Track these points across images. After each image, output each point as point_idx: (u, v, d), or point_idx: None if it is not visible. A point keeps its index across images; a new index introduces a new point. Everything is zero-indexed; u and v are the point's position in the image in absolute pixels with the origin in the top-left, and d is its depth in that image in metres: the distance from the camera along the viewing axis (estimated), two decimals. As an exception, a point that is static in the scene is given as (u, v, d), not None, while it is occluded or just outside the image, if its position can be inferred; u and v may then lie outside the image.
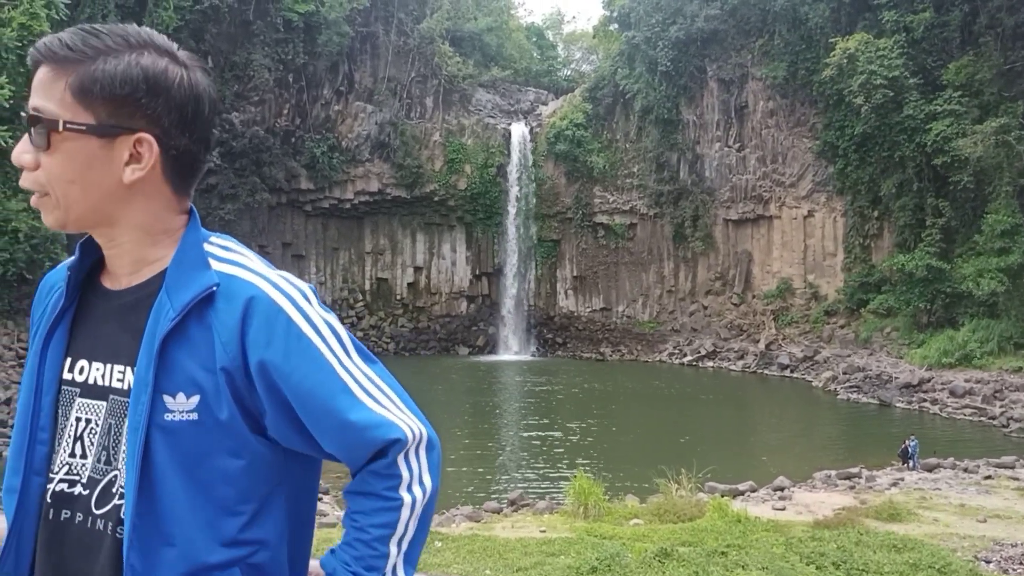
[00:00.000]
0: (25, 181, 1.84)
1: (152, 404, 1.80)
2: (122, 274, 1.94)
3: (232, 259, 1.91)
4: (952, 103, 37.27)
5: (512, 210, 50.06)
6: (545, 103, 53.69)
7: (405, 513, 1.89)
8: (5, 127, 30.07)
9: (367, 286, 50.64)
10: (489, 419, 31.21)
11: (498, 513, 17.03)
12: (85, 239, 1.98)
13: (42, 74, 1.81)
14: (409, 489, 1.89)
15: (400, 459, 1.88)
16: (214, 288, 1.84)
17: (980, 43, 37.92)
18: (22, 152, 1.82)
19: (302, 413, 1.85)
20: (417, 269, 51.12)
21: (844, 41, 39.04)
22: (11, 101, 29.82)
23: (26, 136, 1.83)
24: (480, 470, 22.64)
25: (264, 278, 1.87)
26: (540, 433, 27.87)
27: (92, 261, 1.99)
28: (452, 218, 50.72)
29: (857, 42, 38.41)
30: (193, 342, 1.82)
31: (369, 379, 1.91)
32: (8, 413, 23.53)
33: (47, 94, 1.80)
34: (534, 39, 62.22)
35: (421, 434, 1.93)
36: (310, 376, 1.83)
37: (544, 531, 13.89)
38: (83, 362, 1.93)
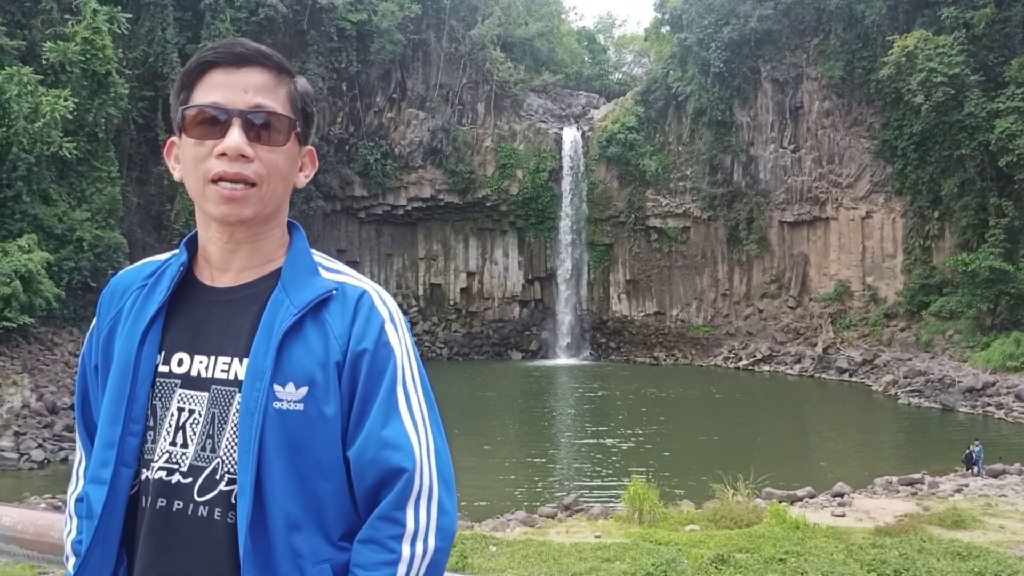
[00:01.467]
0: (246, 170, 1.93)
1: (267, 392, 1.89)
2: (231, 270, 2.05)
3: (338, 269, 2.10)
4: (1016, 100, 36.33)
5: (564, 214, 49.99)
6: (597, 107, 53.56)
7: (403, 569, 1.88)
8: (69, 139, 30.90)
9: (420, 292, 50.98)
10: (543, 424, 31.18)
11: (552, 518, 16.99)
12: (189, 237, 2.10)
13: (263, 76, 1.99)
14: (412, 543, 1.89)
15: (409, 507, 1.91)
16: (333, 292, 2.00)
17: (1044, 38, 36.98)
18: (245, 144, 1.93)
19: (355, 411, 1.95)
20: (470, 274, 51.32)
21: (902, 39, 38.30)
22: (74, 113, 30.62)
23: (240, 128, 1.93)
24: (534, 475, 22.64)
25: (371, 285, 2.07)
26: (594, 438, 27.76)
27: (189, 259, 2.10)
28: (504, 223, 50.82)
29: (916, 39, 37.66)
30: (307, 338, 1.95)
31: (421, 410, 2.01)
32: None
33: (272, 96, 2.00)
34: (585, 43, 62.16)
35: (432, 486, 1.95)
36: (378, 382, 1.96)
37: (599, 536, 13.82)
38: (182, 354, 2.00)
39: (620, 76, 61.38)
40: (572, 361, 48.54)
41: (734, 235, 47.43)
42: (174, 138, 2.06)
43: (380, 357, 1.96)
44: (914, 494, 19.07)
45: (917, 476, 20.81)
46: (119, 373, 2.00)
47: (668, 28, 52.24)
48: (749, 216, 46.72)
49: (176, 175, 2.06)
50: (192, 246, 2.10)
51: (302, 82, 2.07)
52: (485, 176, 49.39)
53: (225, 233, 2.00)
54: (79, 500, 2.10)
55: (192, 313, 2.04)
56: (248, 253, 2.04)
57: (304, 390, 1.91)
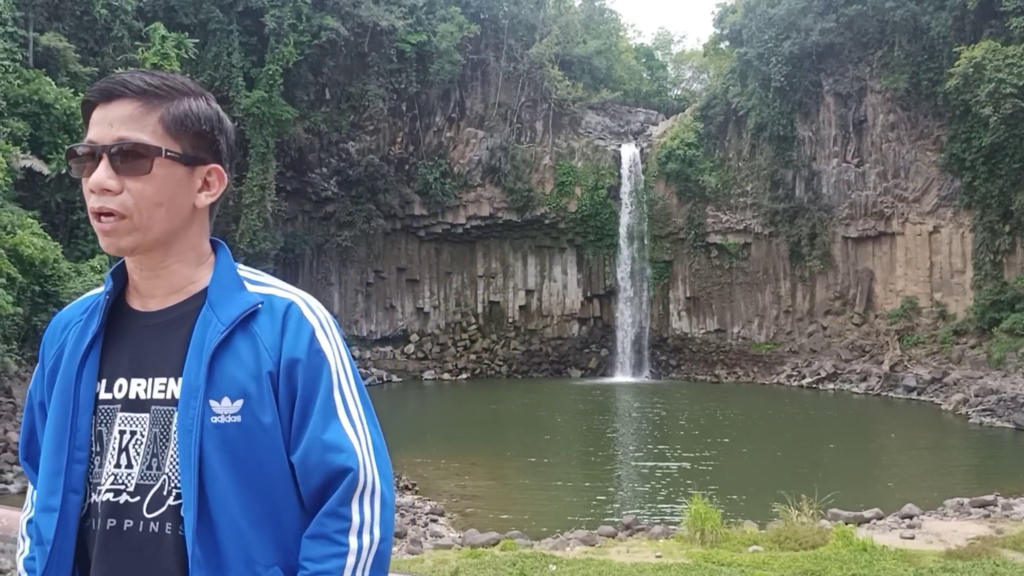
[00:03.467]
0: (110, 204, 2.00)
1: (202, 408, 1.96)
2: (157, 295, 2.12)
3: (264, 281, 2.16)
4: (1089, 110, 35.26)
5: (623, 231, 49.80)
6: (655, 123, 53.36)
7: (351, 560, 1.98)
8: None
9: (480, 309, 51.16)
10: (602, 442, 31.00)
11: (613, 537, 16.87)
12: (115, 268, 2.18)
13: (128, 108, 2.03)
14: (359, 535, 1.99)
15: (354, 502, 2.00)
16: (260, 305, 2.06)
17: (1119, 46, 35.83)
18: (108, 178, 1.99)
19: (296, 418, 2.03)
20: (529, 292, 51.36)
21: (969, 50, 37.47)
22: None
23: (106, 163, 1.99)
24: (594, 494, 22.50)
25: (298, 295, 2.13)
26: (655, 457, 27.52)
27: (118, 288, 2.17)
28: (563, 240, 50.81)
29: (983, 50, 36.81)
30: (238, 352, 2.02)
31: (357, 411, 2.09)
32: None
33: (138, 126, 2.02)
34: (643, 60, 62.02)
35: (375, 482, 2.04)
36: (315, 388, 2.03)
37: (660, 556, 13.67)
38: (121, 380, 2.08)
39: (679, 92, 61.09)
40: (632, 379, 48.21)
41: (796, 251, 46.72)
42: None
43: (314, 365, 2.03)
44: (987, 516, 18.51)
45: (990, 498, 20.19)
46: (60, 405, 2.08)
47: (727, 43, 51.87)
48: (812, 232, 45.99)
49: None
50: (122, 275, 2.17)
51: (184, 104, 2.07)
52: (543, 194, 49.49)
53: (136, 263, 2.10)
54: (30, 523, 2.18)
55: (127, 339, 2.10)
56: (167, 279, 2.11)
57: (240, 403, 1.98)
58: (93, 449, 2.05)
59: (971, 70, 37.07)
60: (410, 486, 22.11)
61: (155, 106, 2.04)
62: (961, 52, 37.80)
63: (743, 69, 47.59)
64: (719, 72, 52.53)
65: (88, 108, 2.06)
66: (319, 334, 2.06)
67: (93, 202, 2.01)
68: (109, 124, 2.01)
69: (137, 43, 35.03)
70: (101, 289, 2.22)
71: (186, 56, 35.42)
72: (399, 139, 47.99)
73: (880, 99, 43.84)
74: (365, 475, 2.02)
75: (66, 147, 2.15)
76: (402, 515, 18.31)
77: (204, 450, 1.95)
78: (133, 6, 35.69)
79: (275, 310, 2.07)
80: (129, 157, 2.00)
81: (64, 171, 29.09)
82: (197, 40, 37.40)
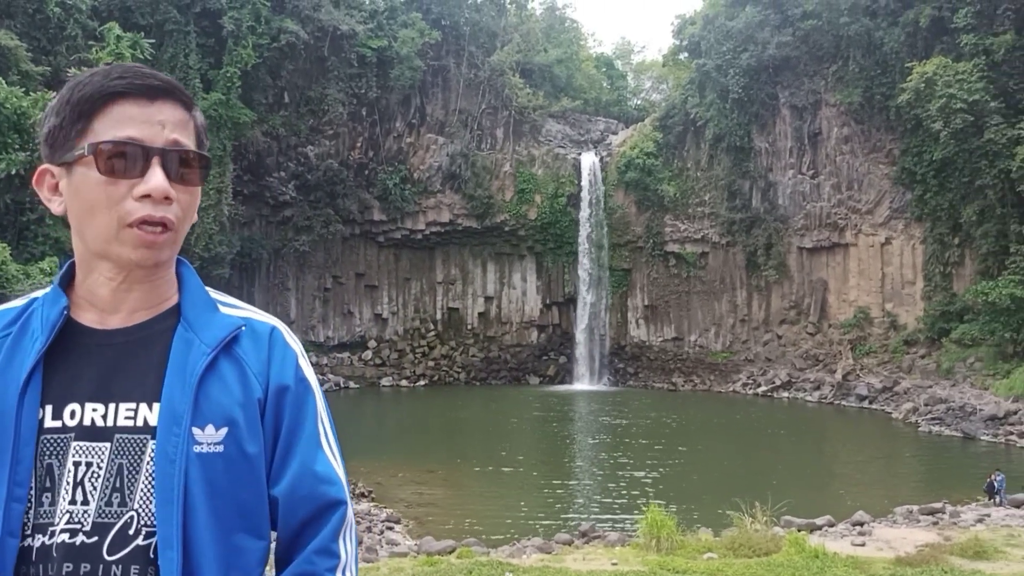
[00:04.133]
0: (169, 213, 1.80)
1: (186, 436, 1.79)
2: (122, 311, 1.89)
3: (235, 304, 2.02)
4: (1036, 126, 36.13)
5: (582, 239, 50.04)
6: (615, 132, 53.74)
7: None
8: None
9: (438, 316, 51.05)
10: (560, 450, 31.06)
11: (569, 545, 16.87)
12: (63, 278, 1.95)
13: (177, 111, 1.86)
14: (343, 572, 1.90)
15: (340, 538, 1.91)
16: (242, 328, 1.92)
17: (1065, 64, 36.79)
18: (168, 185, 1.79)
19: (280, 448, 1.90)
20: (488, 299, 51.36)
21: (921, 65, 38.25)
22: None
23: (160, 169, 1.79)
24: (551, 501, 22.53)
25: (276, 321, 2.02)
26: (612, 464, 27.62)
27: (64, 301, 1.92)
28: (522, 248, 50.92)
29: (935, 66, 37.59)
30: (224, 377, 1.86)
31: (335, 440, 2.00)
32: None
33: (186, 133, 1.86)
34: (604, 69, 62.48)
35: (352, 517, 1.98)
36: (301, 417, 1.93)
37: (616, 564, 13.70)
38: (73, 405, 1.83)
39: (638, 102, 61.61)
40: (590, 386, 48.40)
41: (752, 260, 47.31)
42: (47, 167, 1.87)
43: (300, 393, 1.93)
44: (935, 523, 18.81)
45: (938, 505, 20.54)
46: None
47: (686, 55, 52.47)
48: (768, 242, 46.61)
49: (55, 208, 1.87)
50: (63, 286, 1.93)
51: (200, 115, 1.95)
52: (503, 201, 49.57)
53: (120, 274, 1.85)
54: None
55: (82, 359, 1.86)
56: (144, 294, 1.89)
57: (224, 431, 1.81)
58: (39, 484, 1.78)
59: (923, 85, 37.83)
60: (366, 493, 21.96)
61: (192, 114, 1.90)
62: (913, 67, 38.58)
63: (701, 80, 48.14)
64: (678, 83, 53.09)
65: (106, 99, 1.81)
66: (302, 361, 1.97)
67: (150, 210, 1.77)
68: (160, 125, 1.81)
69: (91, 43, 34.47)
70: (20, 302, 1.97)
71: (142, 57, 34.89)
72: (359, 144, 47.77)
73: (834, 112, 44.58)
74: (349, 509, 1.95)
75: (47, 143, 1.84)
76: (357, 522, 18.15)
77: (187, 482, 1.77)
78: (88, 5, 35.17)
79: (259, 334, 1.93)
80: (185, 166, 1.83)
81: (14, 171, 28.54)
82: (153, 41, 36.91)
